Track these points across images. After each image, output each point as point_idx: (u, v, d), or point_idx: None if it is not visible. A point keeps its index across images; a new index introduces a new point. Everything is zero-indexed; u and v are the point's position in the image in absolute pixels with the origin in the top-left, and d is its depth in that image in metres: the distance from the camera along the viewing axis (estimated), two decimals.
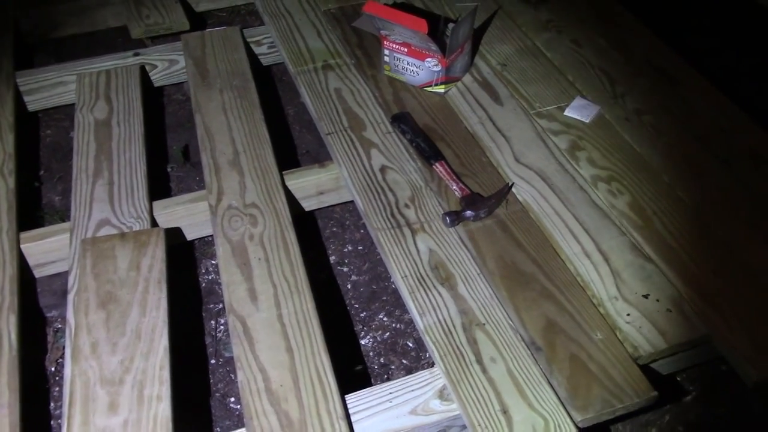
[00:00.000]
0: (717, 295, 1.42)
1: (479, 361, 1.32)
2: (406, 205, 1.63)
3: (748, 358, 1.32)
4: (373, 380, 1.55)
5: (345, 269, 1.78)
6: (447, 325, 1.39)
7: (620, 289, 1.44)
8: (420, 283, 1.47)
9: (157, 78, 2.20)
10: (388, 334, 1.64)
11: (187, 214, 1.71)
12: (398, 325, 1.66)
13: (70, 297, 1.48)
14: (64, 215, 1.87)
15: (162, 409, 1.26)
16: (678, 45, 2.08)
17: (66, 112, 2.15)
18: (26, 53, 2.32)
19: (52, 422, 1.47)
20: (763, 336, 1.35)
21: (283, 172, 1.75)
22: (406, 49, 1.87)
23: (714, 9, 2.39)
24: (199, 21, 2.50)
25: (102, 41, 2.38)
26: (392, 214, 1.61)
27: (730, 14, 2.33)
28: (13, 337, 1.41)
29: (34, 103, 2.12)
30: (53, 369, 1.57)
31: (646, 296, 1.43)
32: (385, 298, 1.71)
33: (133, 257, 1.51)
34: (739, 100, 1.88)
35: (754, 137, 1.76)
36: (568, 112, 1.85)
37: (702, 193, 1.63)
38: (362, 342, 1.63)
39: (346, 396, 1.31)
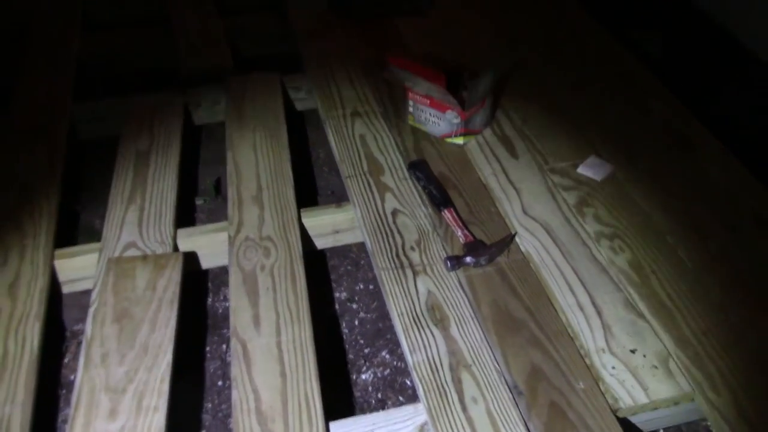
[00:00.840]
0: (705, 355, 1.45)
1: (461, 400, 1.38)
2: (412, 248, 1.70)
3: (729, 421, 1.34)
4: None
5: (354, 306, 1.86)
6: (435, 364, 1.45)
7: (609, 343, 1.48)
8: (415, 321, 1.53)
9: (199, 116, 2.34)
10: (388, 371, 1.70)
11: (207, 243, 1.82)
12: (399, 363, 1.72)
13: (91, 310, 1.60)
14: (100, 238, 2.00)
15: (157, 419, 1.35)
16: (697, 107, 2.13)
17: (112, 142, 2.31)
18: (84, 85, 2.50)
19: (60, 425, 1.57)
20: (746, 400, 1.37)
21: (301, 210, 1.85)
22: (428, 101, 1.96)
23: (738, 71, 2.43)
24: (243, 64, 2.65)
25: (152, 79, 2.54)
26: (397, 255, 1.68)
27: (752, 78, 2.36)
28: (36, 342, 1.53)
29: (84, 132, 2.29)
30: (72, 378, 1.68)
31: (633, 351, 1.46)
32: (389, 336, 1.78)
33: (151, 278, 1.62)
34: (753, 162, 1.91)
35: (762, 203, 1.78)
36: (581, 170, 1.90)
37: (703, 256, 1.66)
38: (362, 376, 1.69)
39: (330, 422, 1.38)
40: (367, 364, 1.72)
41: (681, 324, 1.51)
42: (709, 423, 1.54)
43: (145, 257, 1.68)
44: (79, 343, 1.75)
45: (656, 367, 1.43)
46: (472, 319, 1.54)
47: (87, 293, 1.84)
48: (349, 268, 1.96)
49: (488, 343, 1.49)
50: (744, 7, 2.41)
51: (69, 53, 2.49)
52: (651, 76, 2.27)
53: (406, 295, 1.59)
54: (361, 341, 1.77)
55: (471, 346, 1.48)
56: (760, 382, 1.40)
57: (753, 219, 1.75)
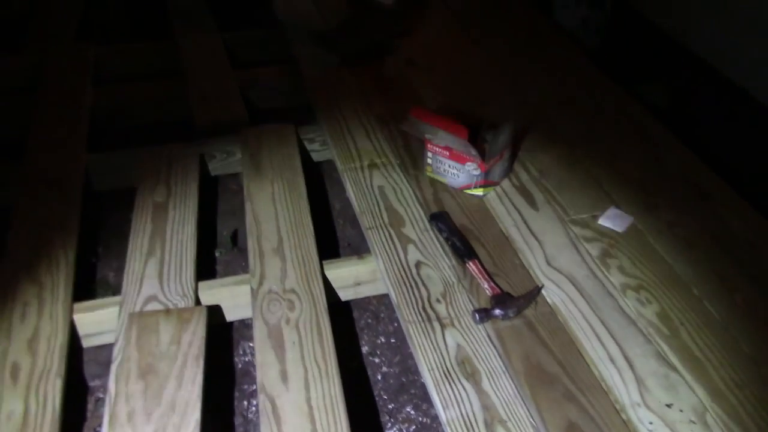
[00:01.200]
0: (741, 410, 1.43)
1: None
2: (438, 300, 1.69)
3: None
4: None
5: (376, 360, 1.83)
6: (469, 420, 1.42)
7: (643, 397, 1.46)
8: (446, 376, 1.51)
9: (215, 167, 2.34)
10: (414, 427, 1.67)
11: (229, 296, 1.80)
12: (424, 419, 1.69)
13: (113, 367, 1.56)
14: (116, 291, 1.98)
15: None
16: (710, 159, 2.15)
17: (128, 193, 2.30)
18: (98, 137, 2.50)
19: None
20: None
21: (323, 262, 1.84)
22: (447, 153, 1.97)
23: (745, 118, 2.46)
24: (258, 115, 2.67)
25: (168, 131, 2.55)
26: (423, 308, 1.67)
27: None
28: (57, 401, 1.49)
29: (100, 183, 2.28)
30: None
31: (669, 405, 1.44)
32: (413, 391, 1.75)
33: (175, 332, 1.60)
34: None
35: None
36: (601, 221, 1.91)
37: (730, 307, 1.65)
38: None
39: None
40: (392, 420, 1.69)
41: (714, 377, 1.50)
42: None
43: (168, 311, 1.66)
44: (97, 400, 1.71)
45: (694, 422, 1.41)
46: (504, 372, 1.52)
47: (105, 348, 1.81)
48: (369, 321, 1.94)
49: (521, 397, 1.47)
50: (744, 53, 2.45)
51: (81, 104, 2.49)
52: (662, 128, 2.30)
53: (435, 349, 1.57)
54: (385, 396, 1.74)
55: (504, 401, 1.46)
56: None
57: None
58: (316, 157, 2.43)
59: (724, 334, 1.59)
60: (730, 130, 2.56)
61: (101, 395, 1.72)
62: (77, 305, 1.75)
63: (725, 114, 2.61)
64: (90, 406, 1.70)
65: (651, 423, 1.41)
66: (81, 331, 1.74)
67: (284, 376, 1.52)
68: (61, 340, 1.63)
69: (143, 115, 2.63)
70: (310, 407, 1.45)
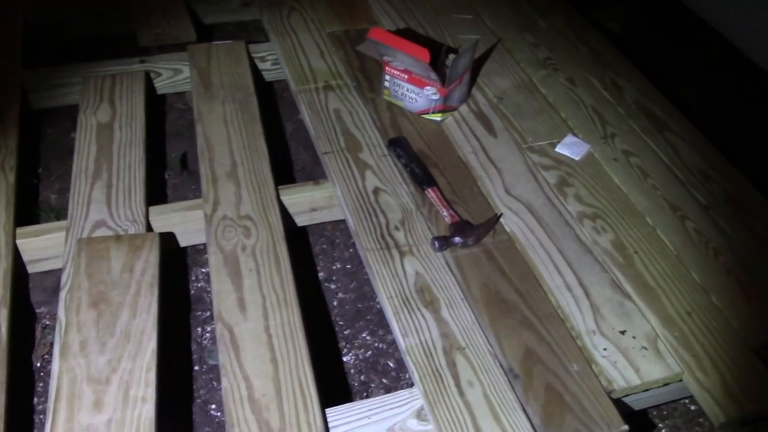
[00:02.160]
0: (691, 336, 1.47)
1: (457, 384, 1.36)
2: (396, 228, 1.67)
3: (717, 399, 1.37)
4: (353, 397, 1.58)
5: (332, 286, 1.82)
6: (428, 347, 1.43)
7: (599, 324, 1.49)
8: (405, 304, 1.51)
9: (161, 86, 2.24)
10: (370, 352, 1.68)
11: (182, 221, 1.74)
12: (381, 345, 1.69)
13: (62, 294, 1.51)
14: (59, 213, 1.90)
15: (146, 410, 1.28)
16: (667, 89, 2.16)
17: (68, 112, 2.18)
18: (34, 51, 2.35)
19: (34, 417, 1.49)
20: (732, 379, 1.40)
21: (279, 187, 1.79)
22: (406, 76, 1.92)
23: (704, 56, 2.47)
24: (205, 33, 2.55)
25: (109, 46, 2.41)
26: (382, 236, 1.65)
27: (721, 63, 2.40)
28: (4, 330, 1.44)
29: (38, 101, 2.15)
30: (38, 364, 1.59)
31: (623, 332, 1.48)
32: (369, 317, 1.75)
33: (127, 260, 1.54)
34: (723, 145, 1.95)
35: (734, 184, 1.82)
36: (559, 149, 1.90)
37: (682, 236, 1.69)
38: (344, 359, 1.66)
39: (326, 409, 1.34)
40: (348, 345, 1.69)
41: (666, 305, 1.53)
42: (687, 401, 1.59)
43: (118, 237, 1.59)
44: (44, 328, 1.66)
45: (646, 348, 1.45)
46: (462, 300, 1.52)
47: (50, 273, 1.75)
48: (324, 247, 1.92)
49: (480, 325, 1.48)
50: None
51: (15, 15, 2.33)
52: (619, 55, 2.28)
53: (393, 277, 1.56)
54: (341, 322, 1.74)
55: (463, 329, 1.46)
56: (744, 362, 1.43)
57: (727, 198, 1.78)
58: (267, 76, 2.35)
59: (675, 263, 1.63)
60: (685, 58, 2.56)
61: (48, 323, 1.67)
62: (21, 230, 1.67)
63: (681, 42, 2.60)
64: (37, 334, 1.65)
65: (605, 349, 1.44)
66: (25, 256, 1.67)
67: (241, 305, 1.49)
68: (5, 266, 1.56)
69: (82, 28, 2.47)
70: (269, 335, 1.43)
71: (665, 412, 1.60)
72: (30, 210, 1.90)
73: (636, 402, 1.46)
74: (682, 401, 1.61)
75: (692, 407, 1.60)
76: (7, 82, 2.06)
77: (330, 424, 1.32)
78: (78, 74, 2.13)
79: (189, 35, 2.32)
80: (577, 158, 1.88)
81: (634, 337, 1.47)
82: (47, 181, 2.02)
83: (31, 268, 1.70)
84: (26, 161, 2.02)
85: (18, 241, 1.64)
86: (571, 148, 1.90)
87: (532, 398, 1.35)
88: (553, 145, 1.92)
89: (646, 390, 1.42)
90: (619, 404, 1.39)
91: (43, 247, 1.67)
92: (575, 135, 1.95)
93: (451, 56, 1.93)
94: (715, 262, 1.63)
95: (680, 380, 1.43)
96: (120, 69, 2.15)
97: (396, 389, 1.57)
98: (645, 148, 1.92)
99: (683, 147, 1.93)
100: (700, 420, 1.58)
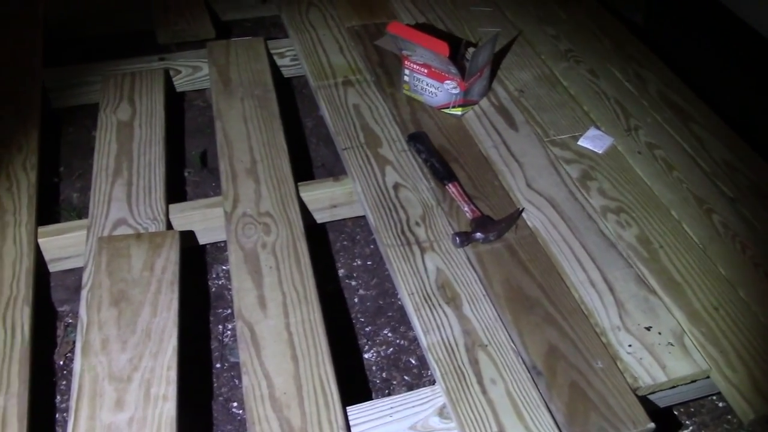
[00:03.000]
0: (718, 331, 1.44)
1: (480, 382, 1.35)
2: (417, 224, 1.65)
3: (746, 396, 1.34)
4: (374, 394, 1.57)
5: (353, 283, 1.81)
6: (450, 345, 1.41)
7: (623, 320, 1.46)
8: (426, 300, 1.49)
9: (180, 83, 2.24)
10: (391, 349, 1.67)
11: (201, 219, 1.74)
12: (402, 342, 1.68)
13: (84, 293, 1.51)
14: (81, 212, 1.90)
15: (168, 408, 1.28)
16: (691, 80, 2.12)
17: (88, 111, 2.19)
18: (54, 50, 2.36)
19: (57, 415, 1.49)
20: (761, 375, 1.37)
21: (298, 184, 1.78)
22: (426, 71, 1.90)
23: (729, 46, 2.42)
24: (224, 30, 2.54)
25: (128, 44, 2.42)
26: (402, 232, 1.63)
27: (746, 52, 2.36)
28: (26, 329, 1.44)
29: (58, 100, 2.16)
30: (61, 363, 1.59)
31: (648, 328, 1.45)
32: (390, 314, 1.74)
33: (148, 258, 1.54)
34: (750, 136, 1.91)
35: (761, 175, 1.79)
36: (581, 142, 1.87)
37: (708, 230, 1.65)
38: (366, 356, 1.65)
39: (347, 407, 1.33)
40: (370, 343, 1.68)
41: (692, 299, 1.51)
42: (714, 398, 1.56)
43: (138, 235, 1.60)
44: (66, 326, 1.66)
45: (672, 344, 1.42)
46: (484, 296, 1.50)
47: (72, 272, 1.75)
48: (345, 243, 1.91)
49: (502, 321, 1.46)
50: None
51: (35, 15, 2.34)
52: (643, 46, 2.25)
53: (414, 273, 1.55)
54: (362, 319, 1.73)
55: (485, 326, 1.45)
56: None
57: (754, 190, 1.75)
58: (286, 72, 2.34)
59: (702, 257, 1.59)
60: (708, 48, 2.52)
61: (70, 321, 1.67)
62: (42, 229, 1.67)
63: (704, 32, 2.56)
64: (59, 332, 1.65)
65: (630, 346, 1.42)
66: (47, 255, 1.67)
67: (262, 302, 1.48)
68: (27, 265, 1.57)
69: (102, 25, 2.48)
70: (290, 333, 1.43)
71: (692, 409, 1.57)
72: (52, 209, 1.91)
73: (662, 399, 1.44)
74: (709, 398, 1.58)
75: (720, 404, 1.57)
76: (28, 81, 2.07)
77: (351, 422, 1.31)
78: (98, 73, 2.14)
79: (208, 32, 2.32)
80: (600, 151, 1.85)
81: (659, 333, 1.44)
82: (68, 180, 2.03)
83: (52, 267, 1.70)
84: (47, 160, 2.03)
85: (40, 240, 1.65)
86: (593, 141, 1.88)
87: (555, 396, 1.33)
88: (576, 139, 1.89)
89: (673, 387, 1.39)
90: (645, 402, 1.37)
91: (64, 245, 1.67)
92: (598, 128, 1.92)
93: (471, 50, 1.91)
94: (743, 255, 1.60)
95: (708, 377, 1.40)
96: (139, 67, 2.15)
97: (418, 386, 1.56)
98: (669, 140, 1.89)
99: (708, 138, 1.89)
100: (729, 417, 1.55)
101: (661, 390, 1.39)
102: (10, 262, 1.56)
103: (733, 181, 1.77)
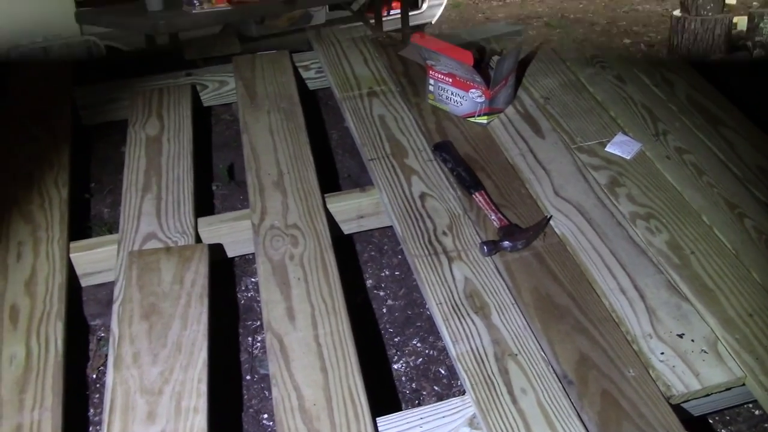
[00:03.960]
0: (753, 338, 1.42)
1: (510, 392, 1.34)
2: (444, 233, 1.65)
3: None
4: (403, 405, 1.56)
5: (381, 293, 1.81)
6: (479, 354, 1.40)
7: (655, 327, 1.44)
8: (454, 310, 1.49)
9: (207, 98, 2.27)
10: (421, 359, 1.66)
11: (230, 232, 1.75)
12: (431, 352, 1.67)
13: (115, 307, 1.53)
14: (111, 227, 1.93)
15: (198, 421, 1.29)
16: (720, 83, 2.09)
17: (118, 127, 2.22)
18: (84, 68, 2.40)
19: (90, 428, 1.51)
20: None
21: (325, 195, 1.79)
22: (450, 80, 1.90)
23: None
24: (248, 42, 2.57)
25: (156, 60, 2.45)
26: (430, 241, 1.63)
27: None
28: (60, 343, 1.46)
29: (89, 117, 2.20)
30: (94, 376, 1.61)
31: (681, 335, 1.43)
32: (419, 324, 1.73)
33: (177, 271, 1.56)
34: None
35: None
36: (609, 148, 1.86)
37: (741, 235, 1.63)
38: (395, 366, 1.64)
39: (377, 418, 1.33)
40: (399, 353, 1.68)
41: (725, 306, 1.48)
42: (750, 405, 1.53)
43: (168, 249, 1.61)
44: (99, 340, 1.68)
45: (705, 352, 1.40)
46: (513, 305, 1.49)
47: (103, 286, 1.77)
48: (373, 254, 1.91)
49: (532, 330, 1.45)
50: None
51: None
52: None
53: (442, 283, 1.54)
54: (391, 330, 1.73)
55: (515, 335, 1.44)
56: None
57: None
58: (311, 85, 2.35)
59: (735, 263, 1.57)
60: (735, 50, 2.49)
61: (102, 335, 1.69)
62: (74, 244, 1.70)
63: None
64: (92, 346, 1.67)
65: (663, 353, 1.40)
66: (79, 270, 1.70)
67: (290, 314, 1.49)
68: (59, 280, 1.59)
69: (128, 44, 2.53)
70: (318, 344, 1.43)
71: (728, 417, 1.54)
72: (83, 224, 1.94)
73: (696, 408, 1.41)
74: (745, 406, 1.55)
75: (756, 412, 1.54)
76: (59, 99, 2.11)
77: None
78: (127, 89, 2.17)
79: (234, 47, 2.35)
80: (628, 157, 1.83)
81: (692, 341, 1.42)
82: (99, 195, 2.06)
83: (84, 282, 1.73)
84: (79, 176, 2.06)
85: (72, 255, 1.67)
86: (621, 147, 1.86)
87: (587, 405, 1.31)
88: (603, 145, 1.87)
89: (707, 395, 1.37)
90: (679, 410, 1.35)
91: (96, 260, 1.69)
92: (625, 133, 1.90)
93: (495, 58, 1.91)
94: None
95: (743, 384, 1.38)
96: (167, 83, 2.19)
97: (448, 397, 1.55)
98: (699, 144, 1.87)
99: (739, 142, 1.87)
100: (766, 426, 1.52)
101: (695, 398, 1.36)
102: (43, 278, 1.59)
103: (766, 185, 1.75)
